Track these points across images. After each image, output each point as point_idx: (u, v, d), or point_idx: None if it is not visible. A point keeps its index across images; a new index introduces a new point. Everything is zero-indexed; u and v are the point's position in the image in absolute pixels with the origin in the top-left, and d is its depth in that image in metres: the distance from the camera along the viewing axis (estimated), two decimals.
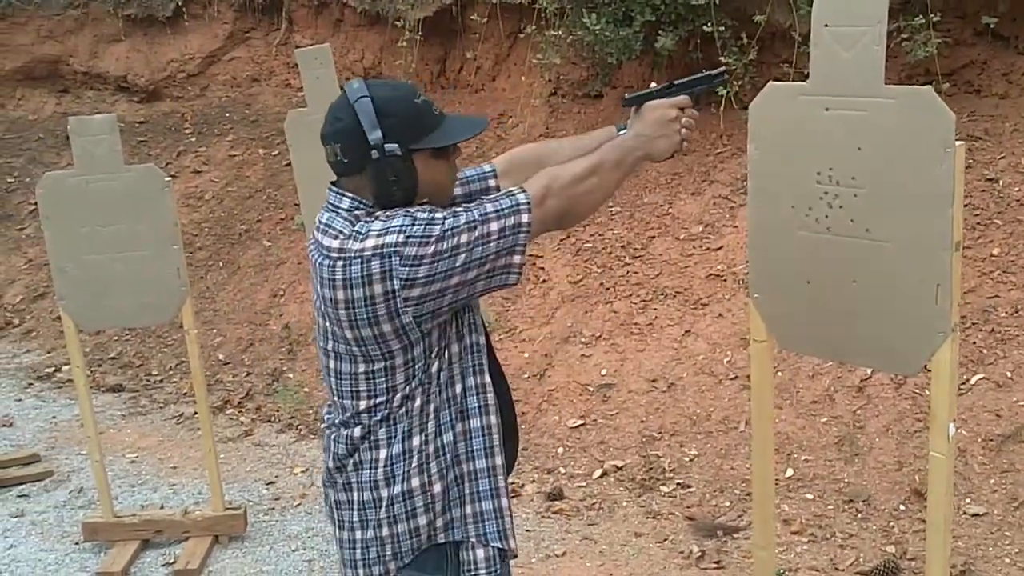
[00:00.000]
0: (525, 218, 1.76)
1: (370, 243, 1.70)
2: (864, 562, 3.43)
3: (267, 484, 4.47)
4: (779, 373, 4.29)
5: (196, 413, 4.69)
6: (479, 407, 1.86)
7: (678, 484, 4.06)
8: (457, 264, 1.70)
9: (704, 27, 5.31)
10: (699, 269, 4.98)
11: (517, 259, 1.77)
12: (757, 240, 2.15)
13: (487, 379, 1.88)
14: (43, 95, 9.27)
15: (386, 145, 1.74)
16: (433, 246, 1.69)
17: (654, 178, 5.69)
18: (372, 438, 1.82)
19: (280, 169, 7.51)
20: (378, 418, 1.81)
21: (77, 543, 3.98)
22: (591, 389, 4.69)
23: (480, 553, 1.86)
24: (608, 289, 5.13)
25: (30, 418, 5.47)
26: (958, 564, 3.28)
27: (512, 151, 2.14)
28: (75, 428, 5.16)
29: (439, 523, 1.83)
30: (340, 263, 1.72)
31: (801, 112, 2.00)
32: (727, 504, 3.89)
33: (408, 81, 1.92)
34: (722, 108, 5.54)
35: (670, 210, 5.42)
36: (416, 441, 1.81)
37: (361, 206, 1.80)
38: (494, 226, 1.74)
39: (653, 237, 5.30)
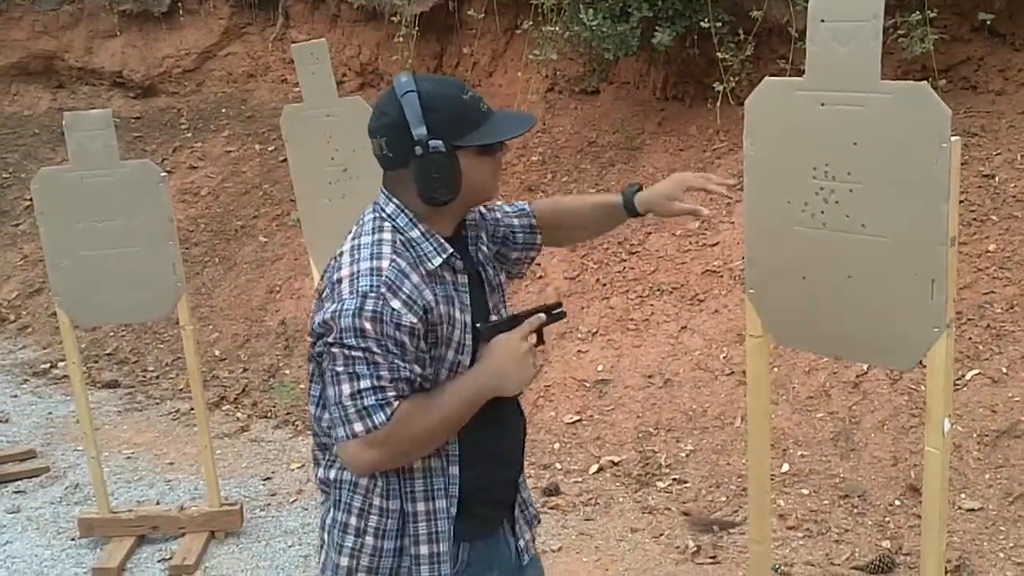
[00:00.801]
0: (359, 427, 1.66)
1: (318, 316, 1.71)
2: (859, 557, 3.43)
3: (263, 480, 4.47)
4: (775, 369, 4.29)
5: (192, 409, 4.68)
6: (425, 491, 1.76)
7: (674, 479, 4.07)
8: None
9: (701, 23, 5.31)
10: (695, 265, 4.98)
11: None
12: (753, 236, 2.15)
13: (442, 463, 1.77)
14: (38, 90, 9.25)
15: (430, 141, 1.69)
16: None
17: (651, 174, 5.69)
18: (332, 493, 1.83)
19: (276, 165, 7.49)
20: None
21: (73, 539, 3.97)
22: (587, 385, 4.69)
23: None
24: (604, 285, 5.13)
25: (26, 414, 5.47)
26: (953, 559, 3.29)
27: (537, 204, 2.09)
28: (71, 424, 5.15)
29: None
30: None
31: (797, 107, 1.99)
32: (723, 499, 3.89)
33: (456, 77, 1.83)
34: (719, 104, 5.54)
35: None
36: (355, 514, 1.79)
37: (404, 213, 1.75)
38: (346, 388, 1.66)
39: (649, 233, 5.30)
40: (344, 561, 1.78)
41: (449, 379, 1.72)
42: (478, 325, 1.75)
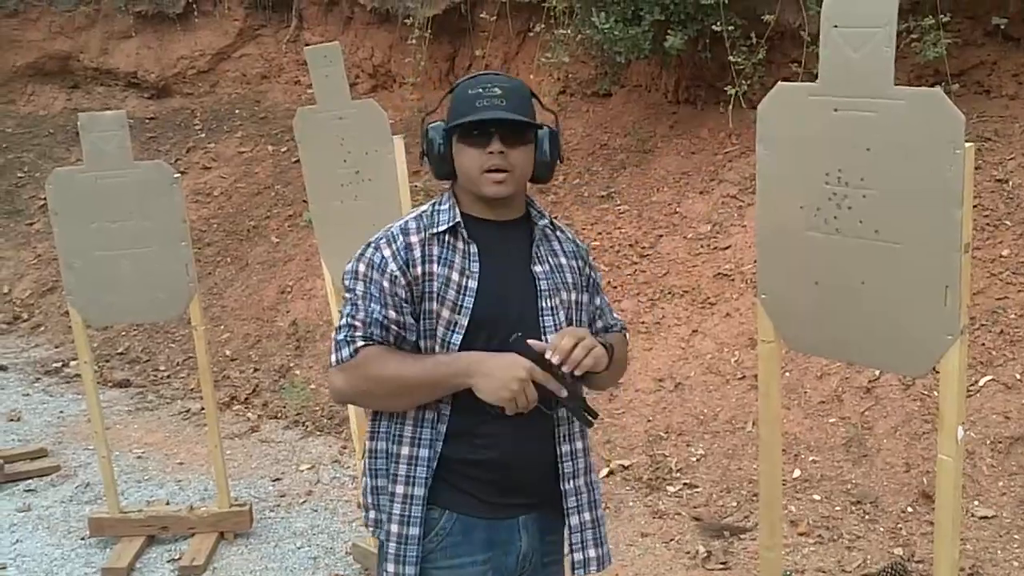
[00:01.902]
0: (333, 358, 1.86)
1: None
2: (871, 564, 3.42)
3: (273, 481, 4.48)
4: (787, 373, 4.27)
5: (203, 409, 4.70)
6: (413, 437, 1.86)
7: (685, 484, 4.06)
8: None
9: (713, 26, 5.30)
10: (707, 268, 4.97)
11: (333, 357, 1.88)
12: (765, 240, 2.14)
13: (440, 411, 1.85)
14: (54, 91, 9.31)
15: (430, 125, 1.91)
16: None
17: (662, 177, 5.68)
18: None
19: (289, 166, 7.52)
20: None
21: (83, 538, 3.99)
22: None
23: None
24: (616, 288, 5.12)
25: (37, 413, 5.50)
26: (966, 567, 3.27)
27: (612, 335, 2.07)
28: (82, 423, 5.18)
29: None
30: None
31: (810, 113, 1.99)
32: (734, 504, 3.88)
33: (510, 78, 1.91)
34: (731, 107, 5.52)
35: (678, 209, 5.41)
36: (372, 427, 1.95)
37: (450, 191, 1.94)
38: (337, 319, 1.89)
39: (661, 236, 5.29)
40: (364, 495, 1.95)
41: (445, 336, 1.83)
42: (512, 337, 1.79)
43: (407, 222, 1.89)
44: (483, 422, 1.83)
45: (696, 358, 4.60)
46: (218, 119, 8.57)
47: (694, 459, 4.17)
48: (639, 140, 6.10)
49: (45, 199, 5.66)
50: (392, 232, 1.87)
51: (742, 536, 3.68)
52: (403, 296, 1.83)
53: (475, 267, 1.85)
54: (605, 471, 4.23)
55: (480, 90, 1.84)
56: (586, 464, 1.97)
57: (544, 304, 1.89)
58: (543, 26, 6.17)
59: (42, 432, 5.20)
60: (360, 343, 1.82)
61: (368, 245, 1.88)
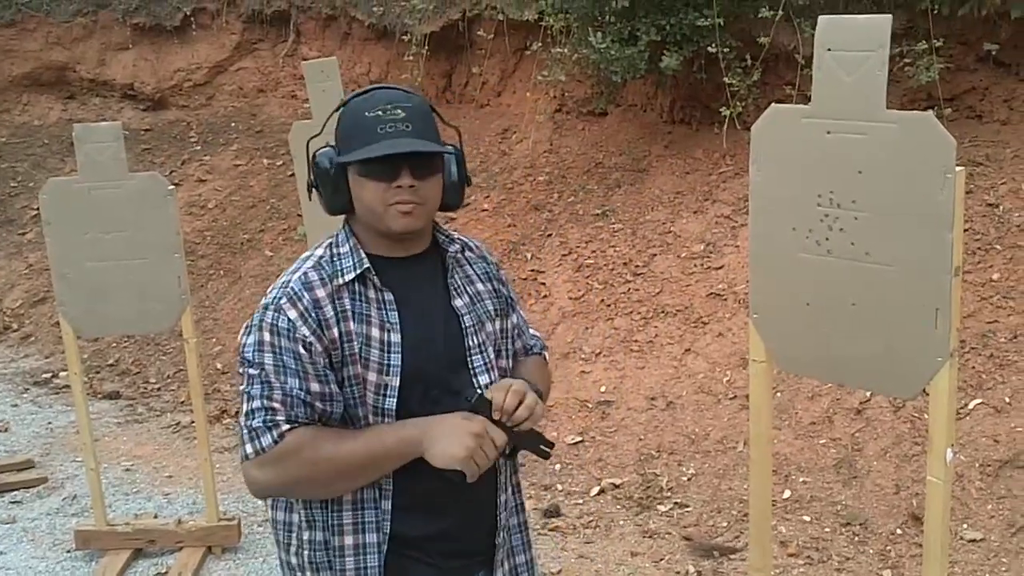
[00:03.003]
0: (249, 449, 1.62)
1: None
2: None
3: None
4: (778, 394, 4.28)
5: (193, 422, 4.68)
6: (355, 523, 1.68)
7: (675, 503, 4.05)
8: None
9: (709, 48, 5.34)
10: (700, 287, 4.98)
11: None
12: (758, 261, 2.15)
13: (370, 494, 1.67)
14: (49, 101, 9.31)
15: (320, 151, 1.70)
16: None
17: (656, 196, 5.70)
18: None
19: (284, 180, 7.52)
20: None
21: (69, 551, 3.96)
22: (590, 406, 4.68)
23: None
24: (609, 306, 5.13)
25: (26, 423, 5.46)
26: None
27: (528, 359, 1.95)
28: (71, 434, 5.15)
29: None
30: None
31: (803, 135, 2.00)
32: (724, 524, 3.87)
33: (401, 90, 1.70)
34: (725, 128, 5.56)
35: (672, 228, 5.43)
36: (295, 517, 1.73)
37: (344, 229, 1.74)
38: (244, 407, 1.64)
39: (655, 255, 5.31)
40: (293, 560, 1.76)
41: (377, 402, 1.65)
42: (467, 397, 1.65)
43: (306, 273, 1.66)
44: (429, 489, 1.68)
45: (688, 377, 4.61)
46: (214, 132, 8.57)
47: (685, 478, 4.17)
48: (634, 159, 6.13)
49: (38, 209, 5.64)
50: (292, 289, 1.63)
51: (732, 556, 3.67)
52: (322, 364, 1.61)
53: (394, 318, 1.66)
54: (596, 489, 4.22)
55: (380, 112, 1.64)
56: (521, 502, 1.88)
57: (471, 342, 1.74)
58: (540, 45, 6.21)
59: (30, 443, 5.17)
60: (284, 427, 1.59)
61: (266, 308, 1.63)
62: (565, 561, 3.74)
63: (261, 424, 1.60)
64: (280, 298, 1.63)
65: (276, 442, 1.59)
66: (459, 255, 1.81)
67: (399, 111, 1.64)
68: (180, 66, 8.92)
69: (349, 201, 1.69)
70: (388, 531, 1.67)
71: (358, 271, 1.66)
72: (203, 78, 8.93)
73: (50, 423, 5.47)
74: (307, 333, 1.60)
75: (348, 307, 1.64)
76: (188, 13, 8.75)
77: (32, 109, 9.31)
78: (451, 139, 1.79)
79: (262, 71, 8.83)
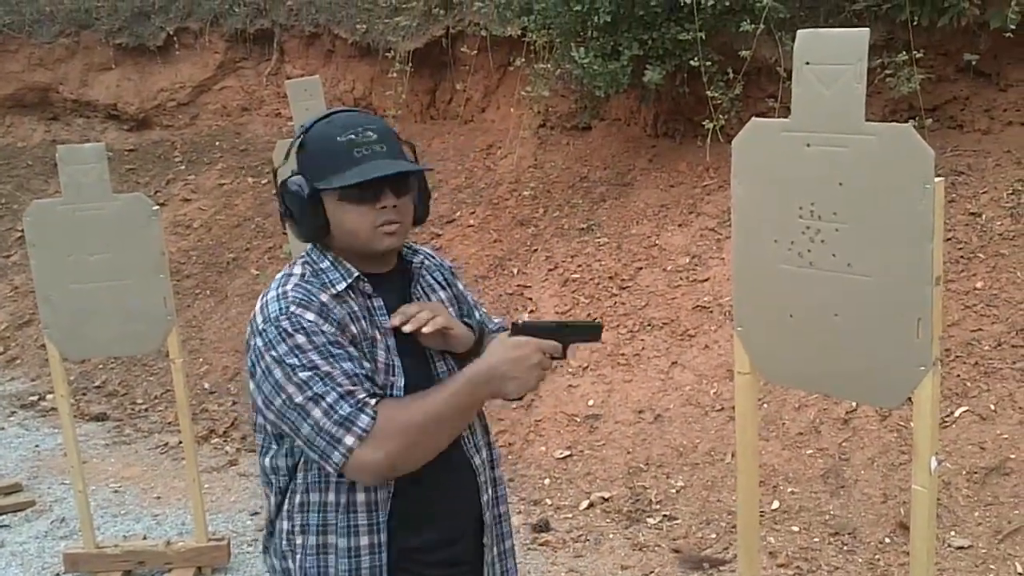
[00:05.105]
0: (349, 441, 1.59)
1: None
2: None
3: (251, 515, 4.44)
4: (765, 405, 4.29)
5: (181, 443, 4.66)
6: (347, 526, 1.69)
7: (664, 516, 4.05)
8: (273, 399, 1.63)
9: (691, 62, 5.38)
10: (686, 300, 5.00)
11: (335, 456, 1.60)
12: (741, 274, 2.16)
13: (357, 496, 1.69)
14: (32, 122, 9.28)
15: (290, 179, 1.70)
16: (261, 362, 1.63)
17: (641, 210, 5.72)
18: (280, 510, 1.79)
19: (269, 198, 7.51)
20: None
21: (58, 574, 3.93)
22: (578, 420, 4.68)
23: None
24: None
25: (13, 447, 5.42)
26: None
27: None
28: (58, 457, 5.12)
29: None
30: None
31: (783, 148, 2.02)
32: (713, 536, 3.88)
33: (367, 115, 1.75)
34: (708, 141, 5.59)
35: (657, 241, 5.45)
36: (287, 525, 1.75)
37: (316, 247, 1.76)
38: (316, 412, 1.59)
39: (640, 268, 5.33)
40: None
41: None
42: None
43: (299, 285, 1.67)
44: (418, 501, 1.72)
45: (675, 390, 4.62)
46: (198, 151, 8.57)
47: (674, 491, 4.17)
48: (618, 173, 6.16)
49: (22, 231, 5.62)
50: (296, 296, 1.64)
51: (722, 568, 3.67)
52: (355, 351, 1.64)
53: (386, 323, 1.73)
54: (585, 503, 4.22)
55: (352, 136, 1.66)
56: (503, 493, 1.94)
57: (433, 350, 1.80)
58: (523, 60, 6.24)
59: (17, 467, 5.13)
60: (372, 401, 1.60)
61: (278, 320, 1.61)
62: None
63: (350, 410, 1.58)
64: (288, 307, 1.63)
65: (373, 418, 1.59)
66: (420, 267, 1.88)
67: (370, 133, 1.67)
68: (163, 86, 8.92)
69: (326, 227, 1.70)
70: (385, 540, 1.70)
71: (348, 281, 1.70)
72: (187, 97, 8.93)
73: (37, 446, 5.43)
74: (331, 329, 1.62)
75: (349, 311, 1.68)
76: (171, 33, 8.75)
77: (15, 130, 9.29)
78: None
79: (246, 90, 8.83)
